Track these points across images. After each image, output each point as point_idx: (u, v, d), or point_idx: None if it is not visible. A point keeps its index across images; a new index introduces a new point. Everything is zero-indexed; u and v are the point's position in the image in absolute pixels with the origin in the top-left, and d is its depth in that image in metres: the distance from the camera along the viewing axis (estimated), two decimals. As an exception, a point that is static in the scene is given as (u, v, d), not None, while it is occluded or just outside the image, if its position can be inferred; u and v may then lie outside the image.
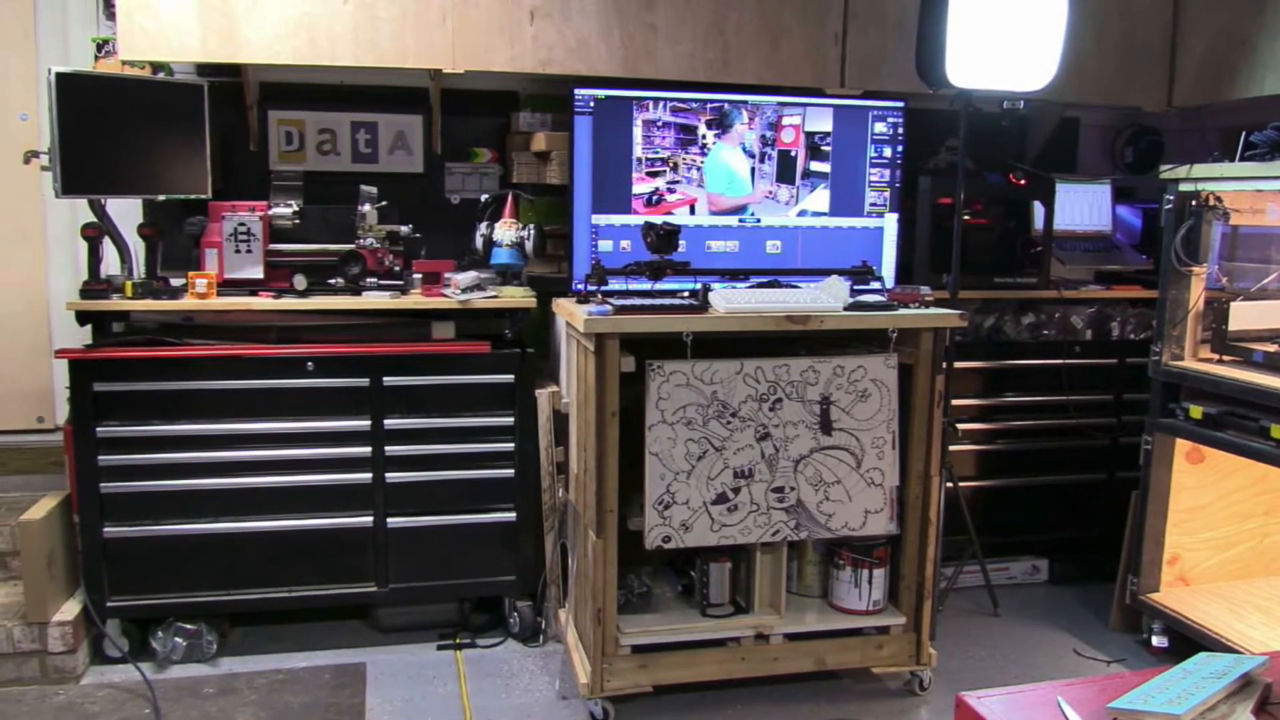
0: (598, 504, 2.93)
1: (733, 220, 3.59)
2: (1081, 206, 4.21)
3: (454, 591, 3.51)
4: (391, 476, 3.38)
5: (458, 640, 3.51)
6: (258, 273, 3.40)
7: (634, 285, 3.23)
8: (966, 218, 3.81)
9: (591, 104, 3.44)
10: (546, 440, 3.43)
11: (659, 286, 3.18)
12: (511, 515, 3.47)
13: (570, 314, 3.06)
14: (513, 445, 3.44)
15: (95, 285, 3.29)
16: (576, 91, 3.43)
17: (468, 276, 3.40)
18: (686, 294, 3.11)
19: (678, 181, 3.53)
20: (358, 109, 3.83)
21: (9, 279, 3.83)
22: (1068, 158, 4.53)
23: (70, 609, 3.29)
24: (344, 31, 3.37)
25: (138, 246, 3.50)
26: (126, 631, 3.38)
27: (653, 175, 3.51)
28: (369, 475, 3.37)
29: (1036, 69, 3.35)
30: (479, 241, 3.60)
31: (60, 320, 3.64)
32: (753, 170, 3.58)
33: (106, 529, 3.27)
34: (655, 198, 3.53)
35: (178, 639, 3.34)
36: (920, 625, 3.19)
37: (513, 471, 3.45)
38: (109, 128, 3.25)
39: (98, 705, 3.11)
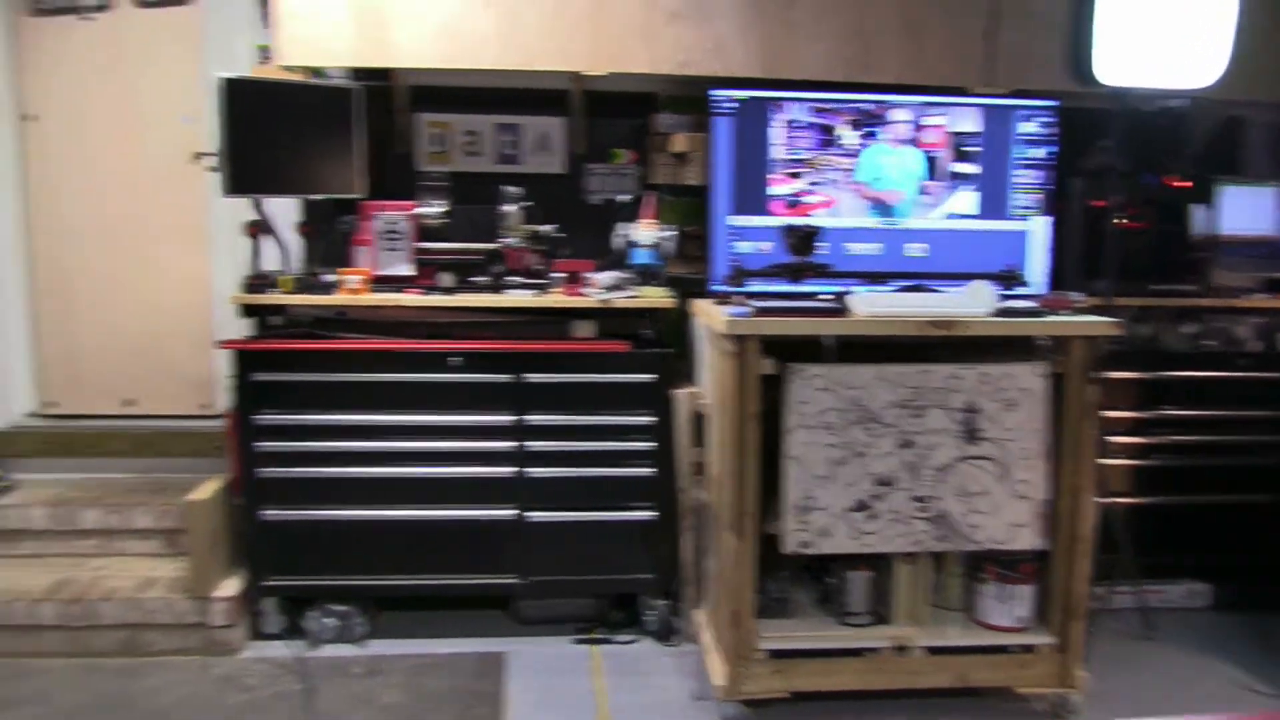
0: (736, 506, 2.98)
1: (874, 222, 3.59)
2: (1247, 210, 4.04)
3: (592, 587, 3.61)
4: (532, 471, 3.50)
5: (594, 635, 3.62)
6: (407, 270, 3.56)
7: (773, 287, 3.26)
8: (1121, 221, 3.71)
9: (731, 105, 3.48)
10: (685, 440, 3.50)
11: (798, 289, 3.20)
12: (650, 514, 3.55)
13: (710, 315, 3.12)
14: (652, 444, 3.52)
15: (256, 280, 3.51)
16: (715, 92, 3.48)
17: (608, 276, 3.49)
18: (827, 296, 3.12)
19: (818, 183, 3.54)
20: (502, 111, 3.96)
21: (178, 273, 4.11)
22: (1232, 158, 4.34)
23: (231, 586, 3.53)
24: (488, 35, 3.50)
25: (295, 243, 3.71)
26: (282, 610, 3.59)
27: (792, 176, 3.54)
28: (511, 469, 3.49)
29: (1202, 66, 3.24)
30: (619, 242, 3.68)
31: (223, 313, 3.86)
32: (910, 169, 3.56)
33: (264, 511, 3.48)
34: (795, 199, 3.55)
35: (328, 620, 3.54)
36: (1069, 646, 3.12)
37: (652, 471, 3.53)
38: (270, 130, 3.45)
39: (254, 679, 3.33)
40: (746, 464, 2.95)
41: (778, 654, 3.06)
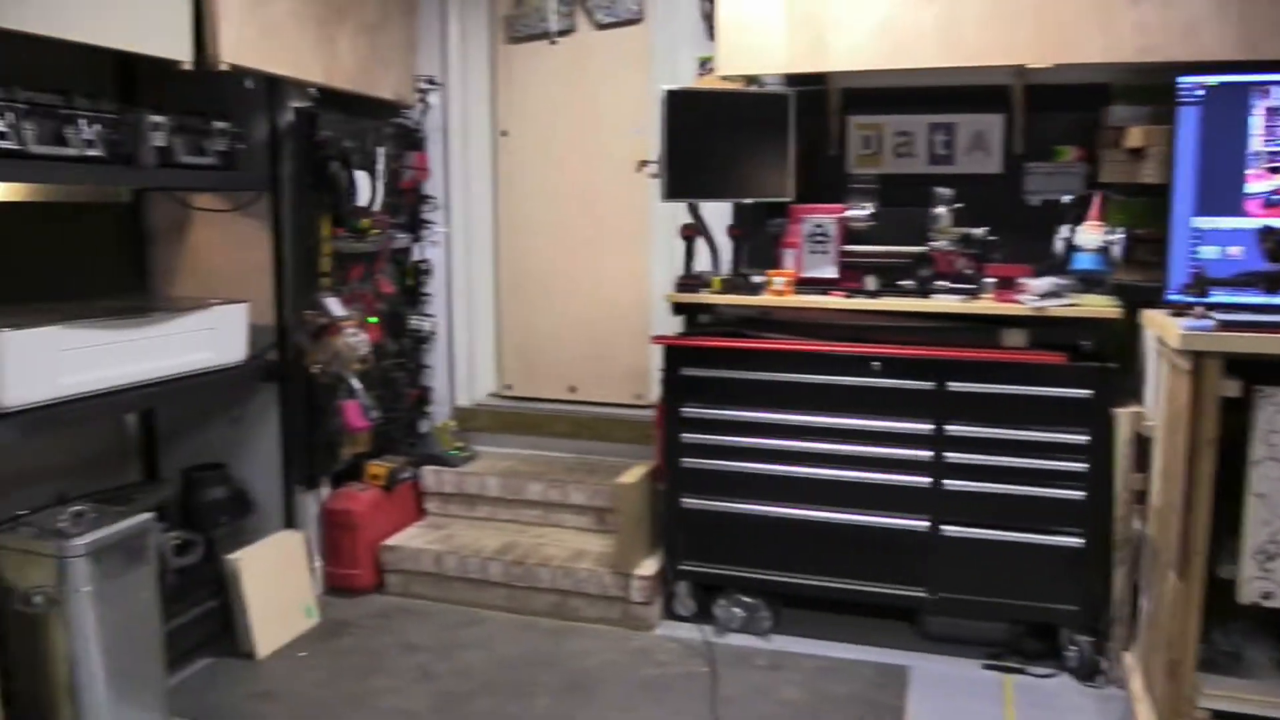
0: (1182, 543, 2.66)
1: (1382, 226, 3.04)
2: None
3: (1006, 611, 3.41)
4: (950, 483, 3.38)
5: (1007, 664, 3.41)
6: (832, 272, 3.58)
7: (1243, 298, 2.87)
8: None
9: (1200, 92, 3.13)
10: (1125, 465, 3.20)
11: (1275, 301, 2.80)
12: (1078, 541, 3.29)
13: (1162, 327, 2.82)
14: (1085, 466, 3.25)
15: (688, 280, 3.70)
16: (1182, 80, 3.14)
17: (1044, 282, 3.28)
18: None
19: (1309, 179, 3.08)
20: (936, 110, 3.86)
21: (621, 272, 4.45)
22: None
23: (650, 566, 3.76)
24: (926, 33, 3.42)
25: (726, 245, 3.87)
26: (694, 595, 3.76)
27: (1273, 171, 3.10)
28: (927, 479, 3.40)
29: None
30: (1059, 245, 3.44)
31: (658, 310, 4.13)
32: None
33: (684, 499, 3.66)
34: (1276, 198, 3.11)
35: (736, 610, 3.65)
36: None
37: (1083, 494, 3.26)
38: (707, 137, 3.61)
39: (665, 656, 3.51)
40: (1197, 497, 2.63)
41: (1222, 716, 2.69)
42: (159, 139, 3.25)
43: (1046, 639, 3.46)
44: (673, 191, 3.59)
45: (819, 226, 3.60)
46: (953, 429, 3.37)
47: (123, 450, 3.94)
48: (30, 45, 2.72)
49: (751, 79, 3.85)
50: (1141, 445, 3.17)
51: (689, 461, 3.65)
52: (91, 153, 3.04)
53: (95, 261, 3.80)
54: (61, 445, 3.59)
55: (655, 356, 3.88)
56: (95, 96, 3.08)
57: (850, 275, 3.56)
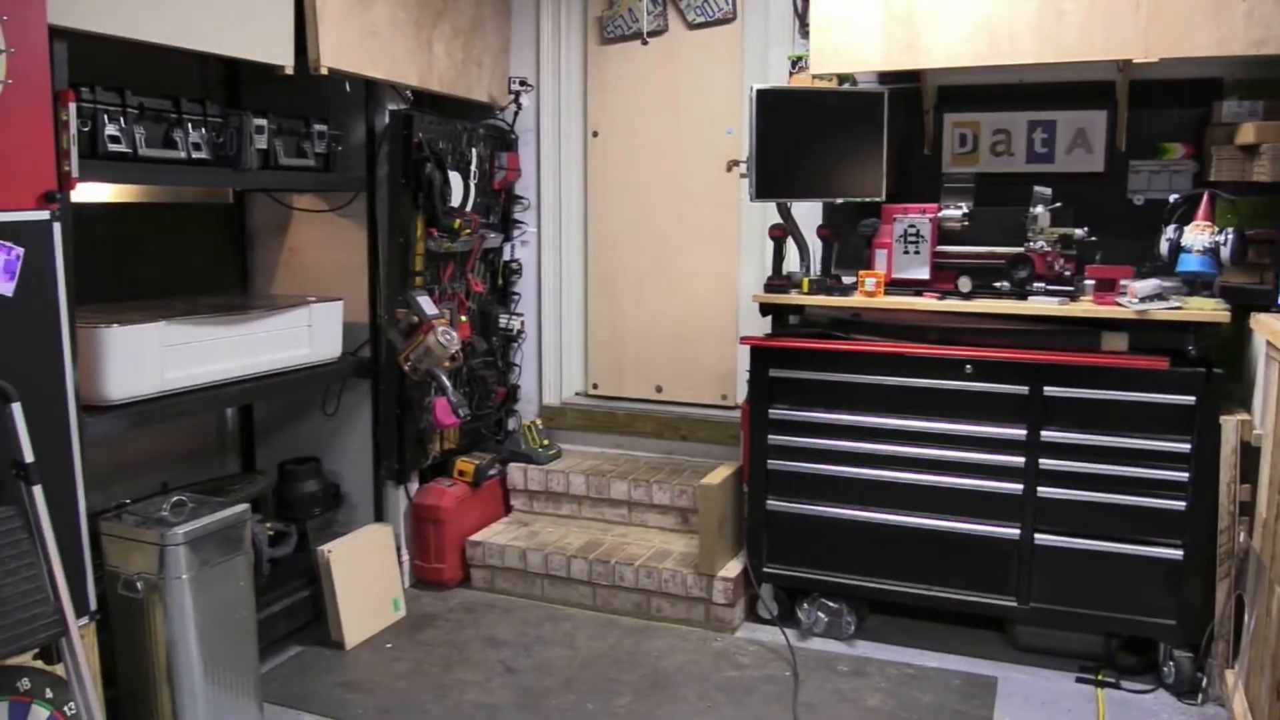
0: (1292, 556, 2.54)
1: None
2: None
3: (1101, 624, 3.30)
4: (1044, 491, 3.29)
5: (1100, 677, 3.31)
6: (924, 273, 3.51)
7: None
8: None
9: (1320, 87, 2.98)
10: (1230, 475, 3.06)
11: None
12: (1177, 553, 3.17)
13: (1273, 332, 2.70)
14: (1187, 475, 3.13)
15: (777, 280, 3.68)
16: (1302, 73, 3.00)
17: (1147, 285, 3.17)
18: None
19: None
20: (1035, 107, 3.76)
21: (710, 272, 4.44)
22: None
23: (733, 568, 3.74)
24: (1026, 29, 3.33)
25: (816, 246, 3.83)
26: (777, 598, 3.73)
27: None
28: (1019, 486, 3.31)
29: None
30: (1164, 246, 3.32)
31: (746, 311, 4.11)
32: None
33: (769, 501, 3.64)
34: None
35: (820, 614, 3.62)
36: None
37: (1184, 505, 3.14)
38: (797, 137, 3.58)
39: (747, 658, 3.49)
40: (1310, 508, 2.51)
41: (1337, 741, 2.57)
42: (261, 142, 3.35)
43: (1143, 653, 3.35)
44: (762, 191, 3.57)
45: (912, 227, 3.54)
46: (1048, 435, 3.28)
47: (223, 443, 4.09)
48: (142, 52, 2.83)
49: (844, 77, 3.80)
50: (1248, 455, 3.03)
51: (775, 463, 3.62)
52: (198, 155, 3.16)
53: (200, 260, 3.95)
54: (165, 437, 3.74)
55: (742, 357, 3.87)
56: (203, 101, 3.19)
57: (943, 276, 3.49)
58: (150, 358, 2.95)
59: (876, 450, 3.48)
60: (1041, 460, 3.29)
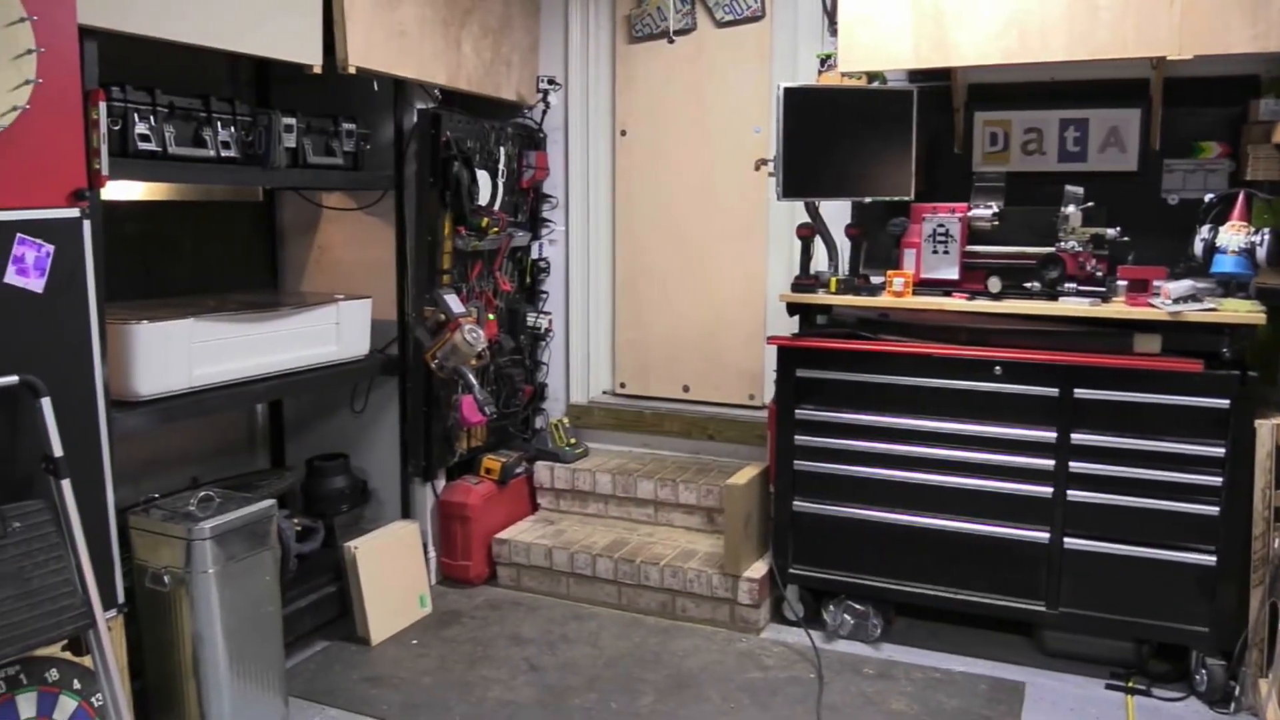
0: (1328, 563, 2.49)
1: None
2: None
3: (1131, 630, 3.25)
4: (1074, 494, 3.25)
5: (1130, 684, 3.25)
6: (953, 273, 3.48)
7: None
8: None
9: (1362, 85, 2.91)
10: (1264, 480, 3.01)
11: None
12: (1210, 559, 3.11)
13: (1311, 335, 2.64)
14: (1220, 480, 3.08)
15: (804, 280, 3.65)
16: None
17: (1181, 286, 3.12)
18: None
19: None
20: (1067, 106, 3.71)
21: (736, 272, 4.42)
22: None
23: (758, 568, 3.72)
24: (1056, 26, 3.29)
25: (844, 245, 3.80)
26: (802, 599, 3.72)
27: None
28: (1049, 489, 3.27)
29: None
30: (1198, 247, 3.27)
31: (773, 311, 4.09)
32: None
33: (796, 502, 3.62)
34: None
35: (846, 616, 3.59)
36: None
37: (1217, 510, 3.09)
38: (826, 135, 3.56)
39: (771, 660, 3.47)
40: (1347, 515, 2.45)
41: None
42: (290, 140, 3.38)
43: (1174, 660, 3.31)
44: (789, 190, 3.55)
45: (941, 226, 3.51)
46: (1078, 437, 3.23)
47: (253, 439, 4.13)
48: (172, 51, 2.86)
49: (873, 75, 3.76)
50: (1284, 460, 2.98)
51: (802, 464, 3.60)
52: (227, 154, 3.18)
53: (230, 257, 3.98)
54: (195, 433, 3.78)
55: (770, 357, 3.85)
56: (232, 100, 3.22)
57: (973, 277, 3.46)
58: (179, 354, 2.97)
59: (904, 452, 3.45)
60: (1071, 463, 3.24)
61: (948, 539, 3.42)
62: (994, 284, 3.40)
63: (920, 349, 3.41)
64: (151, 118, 2.95)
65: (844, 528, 3.55)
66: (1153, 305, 3.13)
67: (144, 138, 2.92)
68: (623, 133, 4.59)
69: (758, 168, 3.78)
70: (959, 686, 3.28)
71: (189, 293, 3.68)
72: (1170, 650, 3.31)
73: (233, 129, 3.20)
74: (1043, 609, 3.33)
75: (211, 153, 3.13)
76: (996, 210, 3.48)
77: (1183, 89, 3.54)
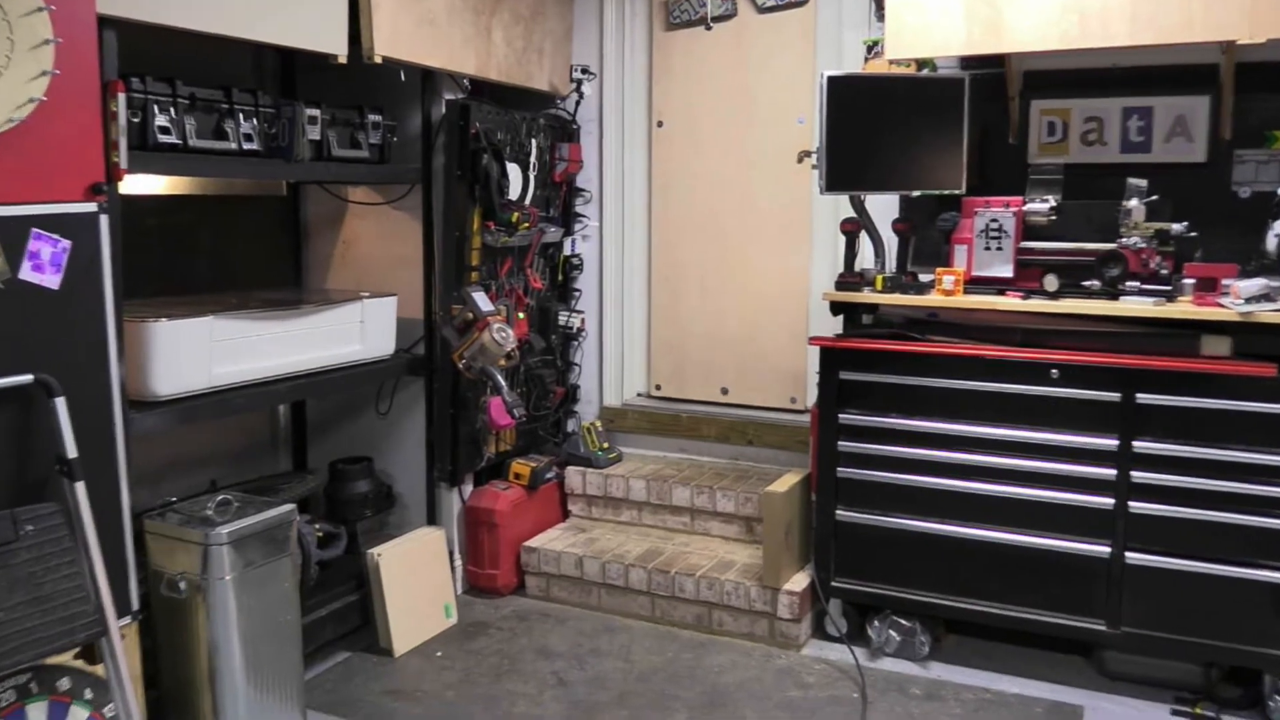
0: None
1: None
2: None
3: (1199, 652, 3.17)
4: (1136, 506, 3.17)
5: (1198, 710, 3.17)
6: (1006, 271, 3.42)
7: None
8: None
9: None
10: (1344, 492, 2.93)
11: None
12: (1287, 576, 3.04)
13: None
14: (1297, 492, 3.00)
15: (849, 278, 3.61)
16: None
17: (1253, 284, 3.03)
18: None
19: None
20: (1130, 93, 3.63)
21: (779, 269, 4.38)
22: None
23: (799, 581, 3.68)
24: (1119, 8, 3.22)
25: (891, 241, 3.75)
26: (846, 614, 3.67)
27: None
28: (1110, 500, 3.20)
29: None
30: (1271, 243, 3.18)
31: (817, 309, 4.04)
32: None
33: (839, 511, 3.57)
34: None
35: (892, 632, 3.54)
36: None
37: (1295, 524, 3.01)
38: (873, 126, 3.52)
39: (812, 677, 3.43)
40: None
41: None
42: (314, 133, 3.39)
43: (1246, 685, 3.21)
44: (834, 183, 3.51)
45: (994, 221, 3.46)
46: (1141, 446, 3.16)
47: (275, 441, 4.15)
48: (194, 41, 2.87)
49: (923, 62, 3.72)
50: (1366, 471, 2.89)
51: (846, 471, 3.56)
52: (249, 146, 3.20)
53: (252, 253, 4.01)
54: (215, 434, 3.80)
55: (812, 358, 3.80)
56: (255, 91, 3.23)
57: (1027, 274, 3.40)
58: (199, 353, 2.99)
59: (954, 459, 3.39)
60: (1134, 473, 3.17)
61: (1001, 552, 3.35)
62: (1050, 282, 3.33)
63: (972, 350, 3.35)
64: (172, 109, 2.97)
65: (890, 539, 3.49)
66: (1222, 305, 3.05)
67: (164, 130, 2.94)
68: (659, 124, 4.57)
69: (800, 160, 3.75)
70: (1012, 709, 3.21)
71: (210, 290, 3.71)
72: (1241, 674, 3.22)
73: (255, 121, 3.22)
74: (1103, 628, 3.25)
75: (233, 145, 3.15)
76: (1054, 204, 3.43)
77: (1255, 74, 3.45)
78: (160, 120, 2.93)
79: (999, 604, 3.38)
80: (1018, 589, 3.35)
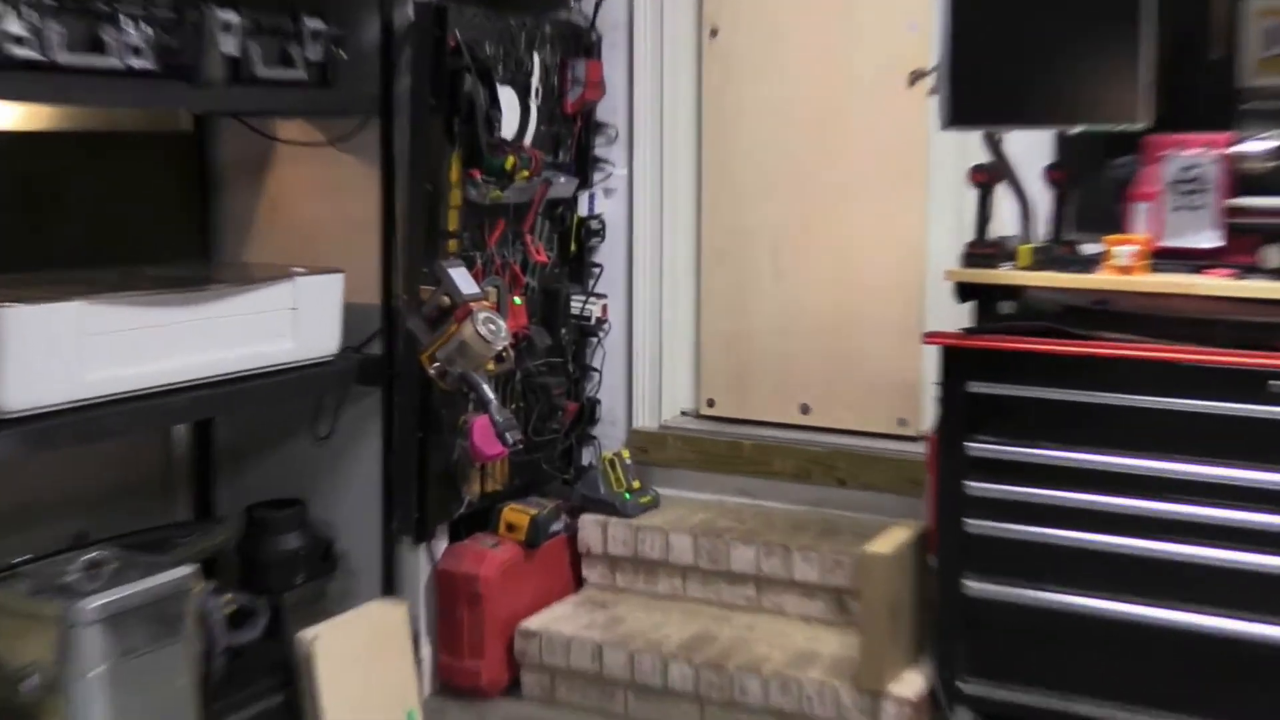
0: None
1: None
2: None
3: None
4: (1407, 580, 3.12)
5: None
6: (1210, 239, 3.39)
7: None
8: None
9: None
10: None
11: None
12: None
13: None
14: None
15: (983, 249, 3.58)
16: None
17: None
18: None
19: None
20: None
21: (881, 237, 4.38)
22: None
23: (912, 682, 3.64)
24: None
25: (1041, 197, 3.72)
26: (978, 730, 3.62)
27: None
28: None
29: None
30: None
31: (936, 293, 3.97)
32: None
33: (970, 582, 3.52)
34: None
35: (1046, 757, 3.46)
36: None
37: None
38: (1014, 35, 3.50)
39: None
40: None
41: None
42: (229, 45, 3.38)
43: None
44: (960, 115, 3.52)
45: (1191, 169, 3.42)
46: None
47: (168, 477, 4.15)
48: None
49: (1088, -56, 3.66)
50: None
51: (978, 525, 3.52)
52: (138, 64, 3.18)
53: (143, 212, 4.02)
54: (86, 467, 3.80)
55: (930, 364, 3.77)
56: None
57: (1239, 244, 3.36)
58: (64, 351, 2.96)
59: (1137, 509, 3.33)
60: (1402, 529, 3.12)
61: (1200, 643, 3.28)
62: (1273, 256, 3.29)
63: (1161, 353, 3.30)
64: (31, 10, 2.93)
65: (1044, 623, 3.45)
66: None
67: (18, 40, 2.91)
68: (713, 33, 4.58)
69: (913, 82, 3.75)
70: None
71: (83, 263, 3.70)
72: None
73: (147, 28, 3.19)
74: (1349, 755, 3.18)
75: (116, 62, 3.13)
76: (1278, 145, 3.38)
77: None
78: (13, 27, 2.90)
79: (1194, 717, 3.31)
80: (1222, 697, 3.28)
